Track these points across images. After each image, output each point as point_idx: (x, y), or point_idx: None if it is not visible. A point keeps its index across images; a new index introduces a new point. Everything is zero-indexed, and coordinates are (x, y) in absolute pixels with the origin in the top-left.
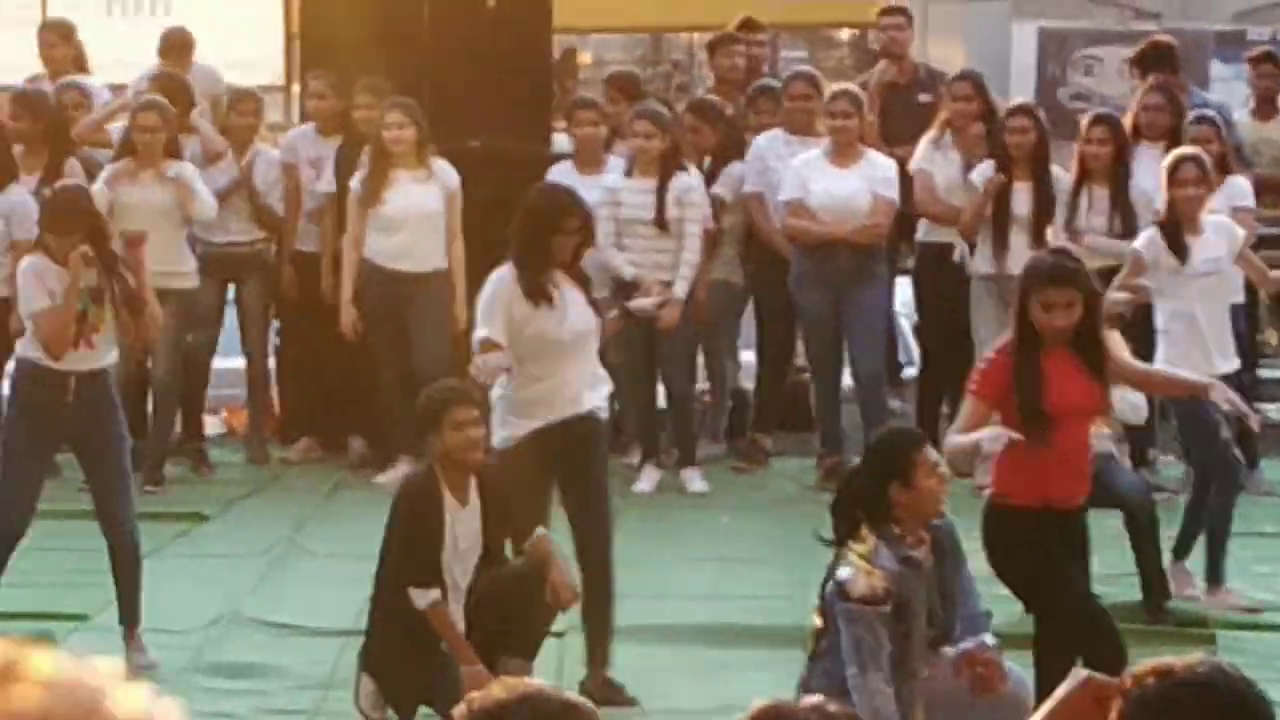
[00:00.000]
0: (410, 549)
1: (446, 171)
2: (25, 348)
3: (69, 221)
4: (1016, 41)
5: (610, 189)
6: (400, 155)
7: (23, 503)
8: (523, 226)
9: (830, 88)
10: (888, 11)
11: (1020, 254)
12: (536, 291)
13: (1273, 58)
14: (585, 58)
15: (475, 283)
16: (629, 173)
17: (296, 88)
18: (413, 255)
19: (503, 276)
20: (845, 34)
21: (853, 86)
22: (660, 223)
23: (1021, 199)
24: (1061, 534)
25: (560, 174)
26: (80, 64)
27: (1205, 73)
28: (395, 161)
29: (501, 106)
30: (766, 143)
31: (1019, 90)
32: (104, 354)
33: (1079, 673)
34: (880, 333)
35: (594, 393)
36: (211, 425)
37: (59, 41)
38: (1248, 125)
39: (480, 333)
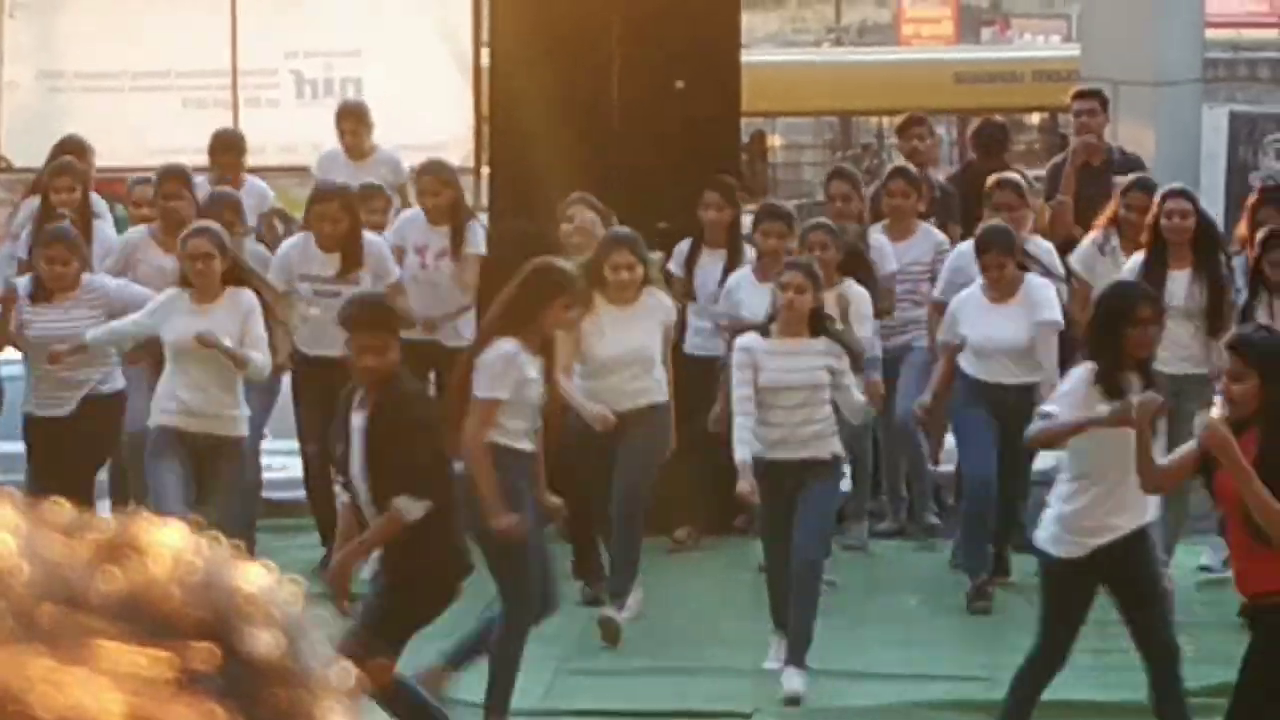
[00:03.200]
0: None
1: (663, 303)
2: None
3: None
4: (1208, 125)
5: None
6: (621, 294)
7: None
8: (1093, 320)
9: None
10: (1081, 96)
11: (1180, 348)
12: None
13: None
14: (775, 140)
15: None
16: None
17: (486, 170)
18: (626, 397)
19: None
20: (1035, 117)
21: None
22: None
23: (1178, 288)
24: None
25: (739, 280)
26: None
27: None
28: (614, 298)
29: (690, 189)
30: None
31: (1209, 174)
32: None
33: None
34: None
35: None
36: None
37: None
38: None
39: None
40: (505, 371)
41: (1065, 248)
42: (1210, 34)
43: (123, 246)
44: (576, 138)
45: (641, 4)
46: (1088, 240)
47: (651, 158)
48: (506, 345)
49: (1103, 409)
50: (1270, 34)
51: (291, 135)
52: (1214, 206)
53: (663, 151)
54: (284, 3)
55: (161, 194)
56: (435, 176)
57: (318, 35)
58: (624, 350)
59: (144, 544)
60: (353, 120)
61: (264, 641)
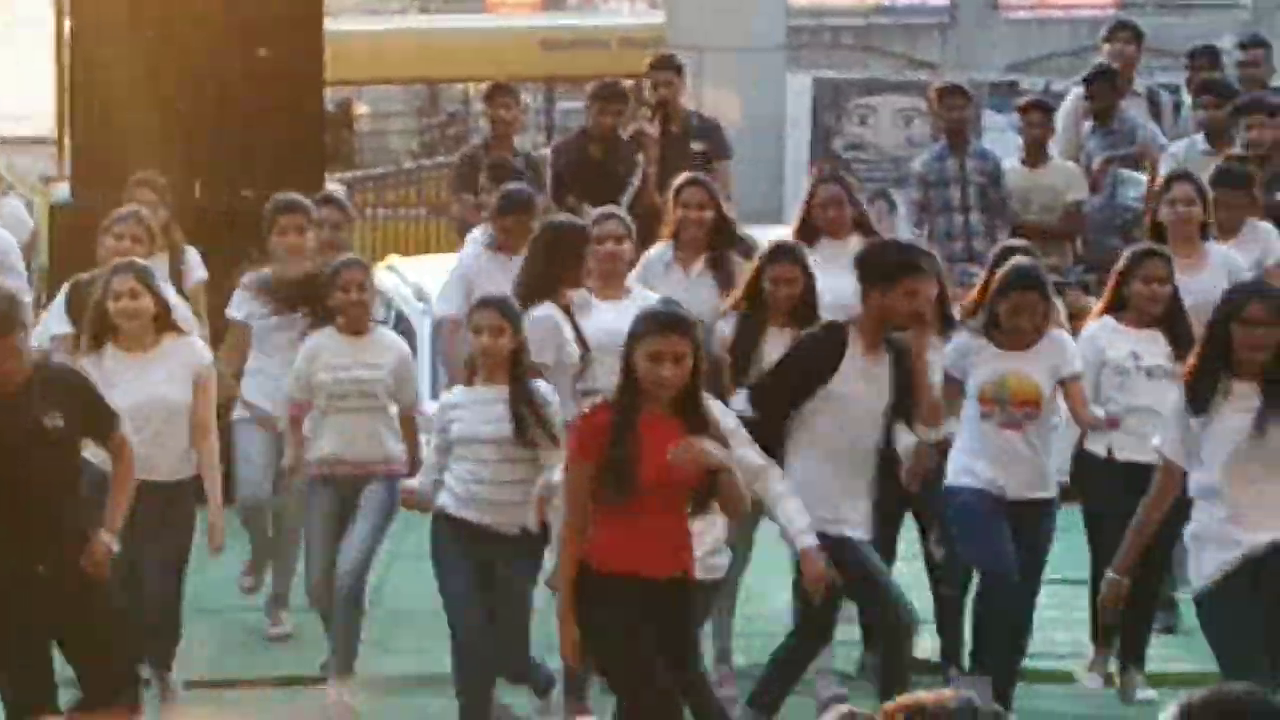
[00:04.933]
0: None
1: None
2: None
3: None
4: (791, 92)
5: None
6: (132, 331)
7: None
8: None
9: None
10: (657, 65)
11: None
12: None
13: (1042, 106)
14: (362, 108)
15: None
16: None
17: (69, 141)
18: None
19: None
20: (626, 83)
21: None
22: None
23: (778, 351)
24: (649, 607)
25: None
26: None
27: (978, 123)
28: (122, 341)
29: (274, 158)
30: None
31: (794, 139)
32: None
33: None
34: None
35: None
36: None
37: None
38: (1018, 173)
39: None
40: (547, 337)
41: (651, 217)
42: (794, 1)
43: None
44: (159, 108)
45: None
46: (652, 254)
47: (236, 127)
48: (543, 310)
49: None
50: (854, 1)
51: None
52: (798, 172)
53: (247, 120)
54: None
55: None
56: None
57: None
58: (144, 400)
59: None
60: None
61: None
